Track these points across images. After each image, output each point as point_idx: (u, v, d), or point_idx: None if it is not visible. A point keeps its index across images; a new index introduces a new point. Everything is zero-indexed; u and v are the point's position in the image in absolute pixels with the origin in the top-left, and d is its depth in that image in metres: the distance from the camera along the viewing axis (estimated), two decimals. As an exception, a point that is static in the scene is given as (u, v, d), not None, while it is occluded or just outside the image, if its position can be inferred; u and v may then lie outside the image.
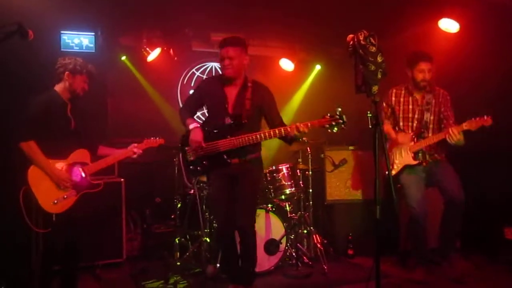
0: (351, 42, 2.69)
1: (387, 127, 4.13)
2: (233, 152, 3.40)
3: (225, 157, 3.40)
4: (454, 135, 3.67)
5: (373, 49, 2.63)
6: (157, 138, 3.78)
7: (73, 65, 3.29)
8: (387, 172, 2.80)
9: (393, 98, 4.12)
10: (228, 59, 3.37)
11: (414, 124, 4.01)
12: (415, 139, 3.96)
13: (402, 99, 4.08)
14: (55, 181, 3.12)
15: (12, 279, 3.73)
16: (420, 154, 3.97)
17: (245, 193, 3.46)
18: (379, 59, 2.65)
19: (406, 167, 3.99)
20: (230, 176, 3.48)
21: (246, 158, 3.46)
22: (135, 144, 3.61)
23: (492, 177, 4.64)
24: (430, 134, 3.98)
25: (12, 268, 3.77)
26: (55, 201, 3.09)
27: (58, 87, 3.30)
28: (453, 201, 3.91)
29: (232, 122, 3.41)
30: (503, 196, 4.52)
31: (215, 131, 3.45)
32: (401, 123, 4.07)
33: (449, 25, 4.85)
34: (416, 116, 4.00)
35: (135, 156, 3.58)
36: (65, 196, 3.14)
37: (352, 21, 4.46)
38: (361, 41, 2.62)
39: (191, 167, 3.53)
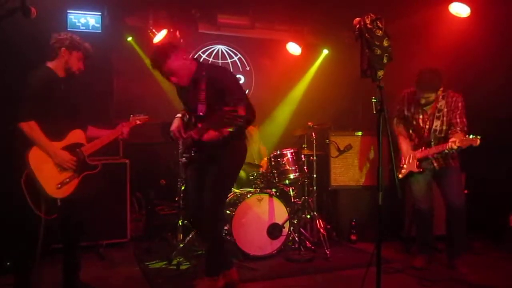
0: (358, 26, 2.64)
1: (400, 133, 4.11)
2: (199, 144, 3.26)
3: (191, 151, 3.33)
4: (451, 148, 3.64)
5: (380, 33, 2.57)
6: (142, 115, 3.63)
7: (69, 41, 3.12)
8: (392, 162, 2.76)
9: (406, 104, 4.06)
10: (173, 75, 3.22)
11: (424, 133, 3.96)
12: (423, 147, 3.94)
13: (413, 109, 4.01)
14: (58, 162, 3.00)
15: (17, 258, 3.76)
16: (427, 162, 3.94)
17: (209, 181, 3.33)
18: (386, 43, 2.60)
19: (412, 173, 4.01)
20: (200, 166, 3.40)
21: (214, 148, 3.27)
22: (124, 123, 3.49)
23: (499, 164, 4.61)
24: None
25: (17, 247, 3.81)
26: (59, 185, 2.98)
27: (52, 64, 3.12)
28: (452, 208, 3.94)
29: (193, 117, 3.34)
30: (509, 183, 4.49)
31: (190, 119, 3.42)
32: (411, 130, 4.05)
33: (459, 9, 4.76)
34: (426, 126, 3.95)
35: (124, 135, 3.45)
36: (68, 180, 3.04)
37: (362, 3, 4.39)
38: (368, 25, 2.56)
39: (181, 159, 3.51)
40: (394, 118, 4.15)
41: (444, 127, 3.89)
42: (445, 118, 3.88)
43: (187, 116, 3.45)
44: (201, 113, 3.24)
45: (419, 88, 3.84)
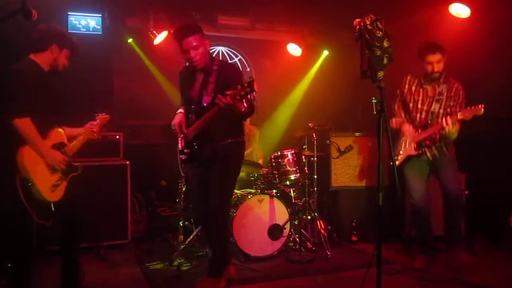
0: (358, 27, 2.65)
1: (399, 120, 4.10)
2: (203, 138, 3.29)
3: (194, 144, 3.32)
4: (448, 125, 3.63)
5: (380, 33, 2.58)
6: (104, 114, 3.44)
7: (60, 37, 2.98)
8: (391, 163, 2.76)
9: (406, 86, 4.07)
10: (193, 49, 3.26)
11: (422, 115, 3.97)
12: (419, 130, 3.93)
13: (414, 88, 4.02)
14: (51, 163, 2.86)
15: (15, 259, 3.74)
16: (423, 147, 3.94)
17: (212, 181, 3.34)
18: (386, 44, 2.60)
19: (409, 158, 3.99)
20: (202, 163, 3.40)
21: (218, 144, 3.33)
22: (93, 122, 3.31)
23: (499, 164, 4.61)
24: None
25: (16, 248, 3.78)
26: (53, 188, 2.84)
27: (37, 57, 2.93)
28: (448, 197, 3.96)
29: (196, 107, 3.35)
30: (509, 183, 4.49)
31: (189, 116, 3.43)
32: (410, 113, 4.04)
33: (460, 9, 4.77)
34: (425, 107, 3.96)
35: (95, 135, 3.28)
36: (59, 182, 2.90)
37: (362, 4, 4.40)
38: (368, 26, 2.57)
39: (180, 156, 3.47)
40: (397, 107, 4.12)
41: (442, 111, 3.90)
42: (444, 102, 3.90)
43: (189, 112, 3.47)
44: (205, 104, 3.29)
45: (426, 52, 3.82)
